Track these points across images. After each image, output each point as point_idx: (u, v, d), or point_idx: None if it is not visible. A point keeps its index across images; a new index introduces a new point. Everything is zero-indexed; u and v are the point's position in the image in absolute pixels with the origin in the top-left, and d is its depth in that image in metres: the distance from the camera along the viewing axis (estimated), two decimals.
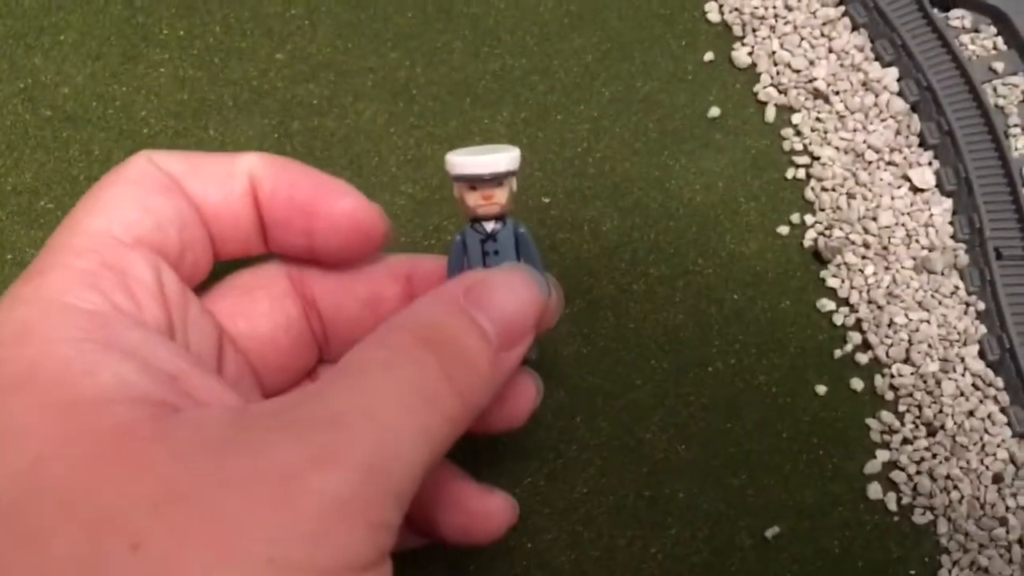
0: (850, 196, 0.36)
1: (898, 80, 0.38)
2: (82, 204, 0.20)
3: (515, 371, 0.23)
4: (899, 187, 0.37)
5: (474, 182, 0.24)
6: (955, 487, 0.32)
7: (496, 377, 0.22)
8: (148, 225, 0.20)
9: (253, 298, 0.24)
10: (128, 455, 0.16)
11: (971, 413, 0.33)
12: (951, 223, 0.36)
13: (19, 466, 0.16)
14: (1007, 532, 0.32)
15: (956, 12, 0.41)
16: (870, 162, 0.37)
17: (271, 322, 0.25)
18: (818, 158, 0.37)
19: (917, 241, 0.36)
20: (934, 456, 0.33)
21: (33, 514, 0.15)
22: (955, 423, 0.33)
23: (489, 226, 0.24)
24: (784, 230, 0.37)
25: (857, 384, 0.34)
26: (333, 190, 0.23)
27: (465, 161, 0.23)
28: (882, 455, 0.33)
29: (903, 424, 0.33)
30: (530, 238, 0.25)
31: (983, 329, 0.34)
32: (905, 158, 0.37)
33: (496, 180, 0.24)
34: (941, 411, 0.33)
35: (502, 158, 0.23)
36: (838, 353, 0.35)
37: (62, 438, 0.16)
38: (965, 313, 0.35)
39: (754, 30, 0.40)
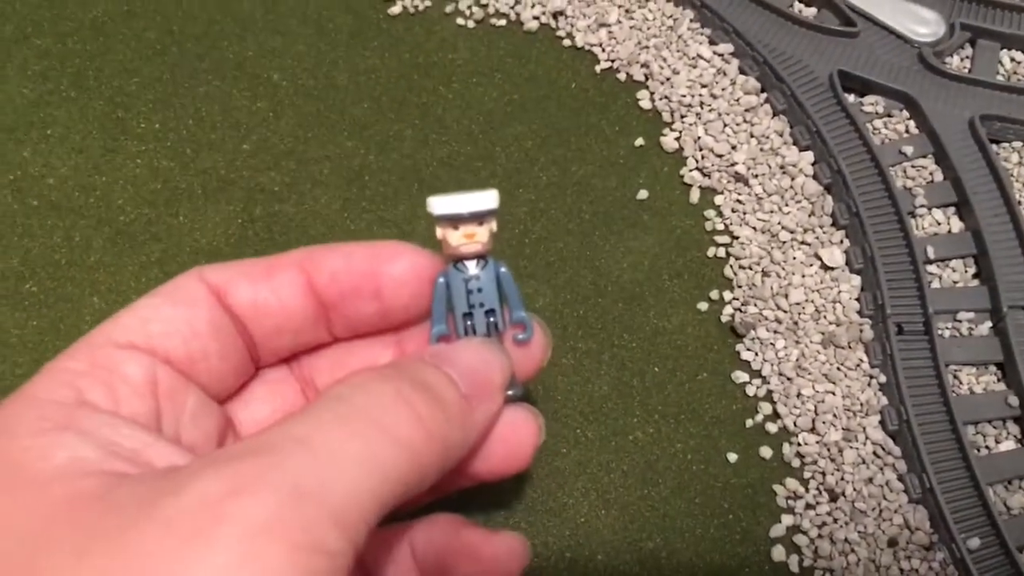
0: (765, 274, 0.39)
1: (813, 164, 0.41)
2: (114, 315, 0.23)
3: (492, 422, 0.23)
4: (810, 265, 0.39)
5: (456, 221, 0.24)
6: (852, 550, 0.35)
7: (467, 420, 0.22)
8: (151, 332, 0.23)
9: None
10: (72, 517, 0.18)
11: (870, 480, 0.36)
12: (858, 299, 0.39)
13: None
14: None
15: (870, 98, 0.43)
16: (784, 242, 0.40)
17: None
18: (737, 237, 0.40)
19: (825, 317, 0.38)
20: (835, 520, 0.35)
21: None
22: (855, 489, 0.35)
23: (471, 265, 0.25)
24: (704, 306, 0.40)
25: (766, 452, 0.37)
26: (389, 251, 0.25)
27: (447, 201, 0.24)
28: (787, 519, 0.36)
29: (807, 490, 0.36)
30: (511, 277, 0.25)
31: (884, 400, 0.37)
32: (817, 237, 0.40)
33: (477, 218, 0.24)
34: (843, 478, 0.36)
35: (483, 196, 0.25)
36: (749, 423, 0.37)
37: (12, 513, 0.18)
38: (868, 385, 0.37)
39: (682, 116, 0.43)
